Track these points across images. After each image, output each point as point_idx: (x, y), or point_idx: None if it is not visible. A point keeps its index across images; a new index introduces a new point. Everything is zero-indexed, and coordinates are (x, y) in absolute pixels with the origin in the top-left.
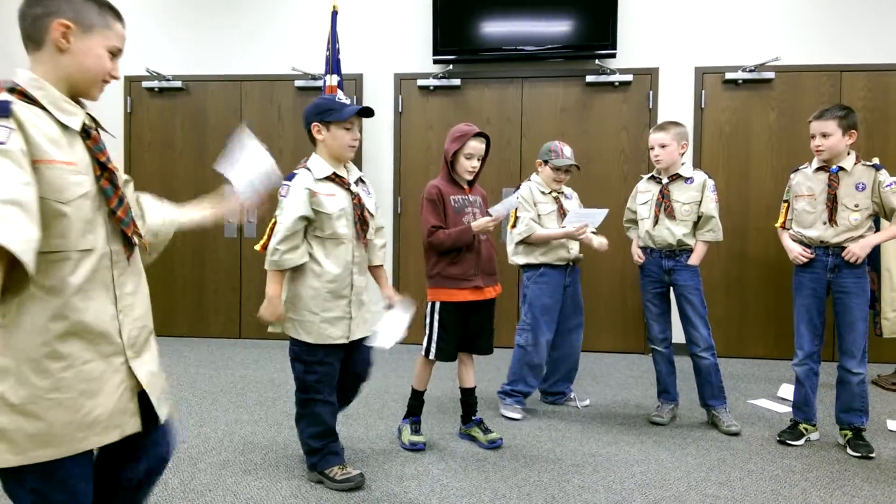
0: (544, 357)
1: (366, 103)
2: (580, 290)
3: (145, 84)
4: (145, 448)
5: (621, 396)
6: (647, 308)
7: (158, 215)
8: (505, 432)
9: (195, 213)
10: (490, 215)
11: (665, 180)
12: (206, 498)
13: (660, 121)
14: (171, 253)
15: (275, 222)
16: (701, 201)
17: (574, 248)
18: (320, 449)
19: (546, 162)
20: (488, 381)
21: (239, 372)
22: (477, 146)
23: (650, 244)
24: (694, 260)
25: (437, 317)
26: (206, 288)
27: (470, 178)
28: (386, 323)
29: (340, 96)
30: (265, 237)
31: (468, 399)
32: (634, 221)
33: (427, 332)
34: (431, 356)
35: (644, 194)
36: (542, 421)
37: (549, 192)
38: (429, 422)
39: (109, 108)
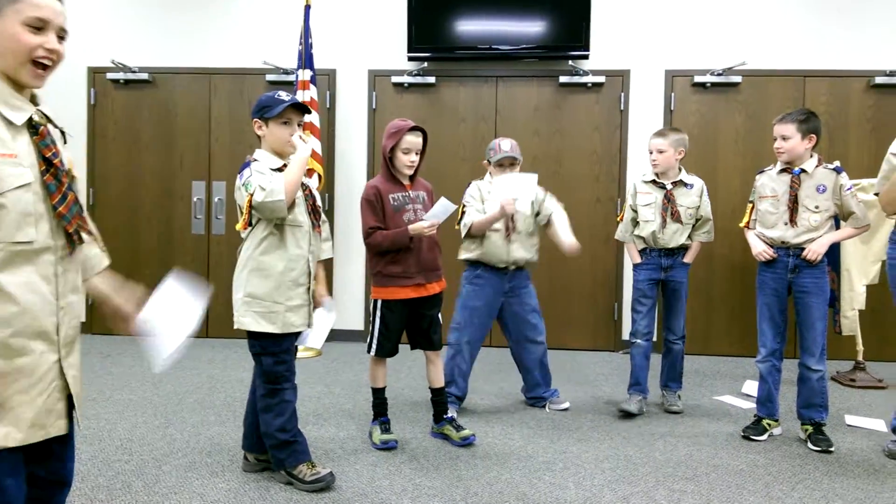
0: (469, 361)
1: (339, 99)
2: (530, 295)
3: (110, 76)
4: (46, 458)
5: (591, 394)
6: (638, 303)
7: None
8: (477, 431)
9: (101, 287)
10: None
11: (668, 186)
12: (171, 501)
13: (631, 122)
14: (137, 251)
15: (250, 198)
16: (700, 205)
17: (515, 253)
18: (289, 443)
19: (489, 161)
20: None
21: (206, 372)
22: (413, 140)
23: (652, 245)
24: (689, 258)
25: (378, 314)
26: None
27: (409, 172)
28: (315, 322)
29: (281, 94)
30: (244, 214)
31: (438, 398)
32: (636, 221)
33: (370, 328)
34: (372, 352)
35: (645, 195)
36: (513, 418)
37: None
38: (401, 421)
39: (72, 100)
